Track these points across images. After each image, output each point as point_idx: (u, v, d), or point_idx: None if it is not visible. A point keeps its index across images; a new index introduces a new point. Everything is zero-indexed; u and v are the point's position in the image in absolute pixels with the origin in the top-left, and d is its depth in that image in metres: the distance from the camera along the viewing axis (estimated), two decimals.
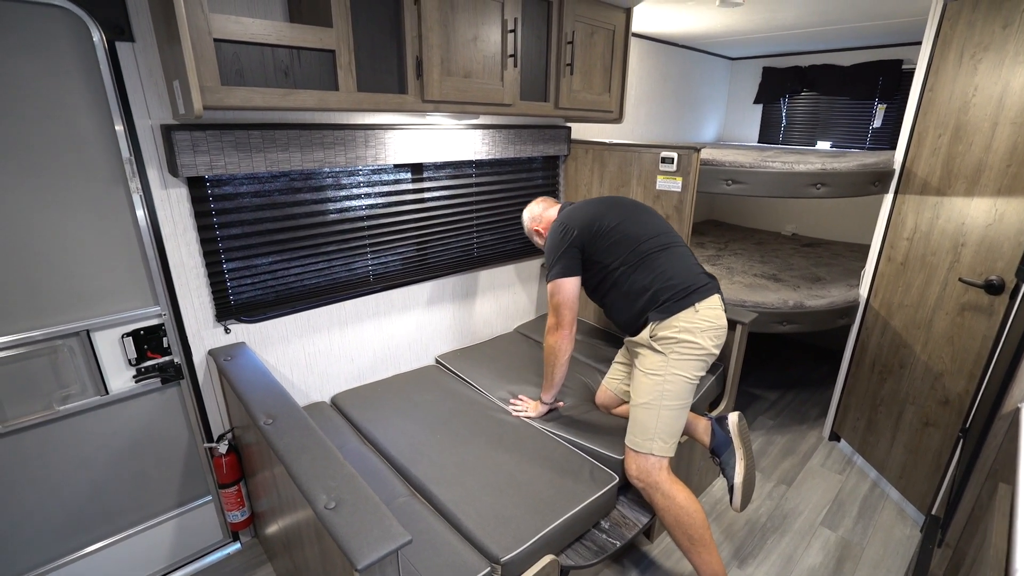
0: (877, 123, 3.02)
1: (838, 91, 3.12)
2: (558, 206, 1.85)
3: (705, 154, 2.11)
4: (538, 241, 1.91)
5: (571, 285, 1.60)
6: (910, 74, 2.81)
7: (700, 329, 1.48)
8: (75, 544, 1.52)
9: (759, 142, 3.62)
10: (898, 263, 2.02)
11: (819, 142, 3.29)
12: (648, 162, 2.12)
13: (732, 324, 1.98)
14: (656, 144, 2.09)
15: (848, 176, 1.98)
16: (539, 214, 1.89)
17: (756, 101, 3.52)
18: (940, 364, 1.85)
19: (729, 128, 3.77)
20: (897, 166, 2.00)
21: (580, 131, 2.48)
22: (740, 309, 2.04)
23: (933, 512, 1.74)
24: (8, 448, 1.36)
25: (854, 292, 2.28)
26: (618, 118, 2.21)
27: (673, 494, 1.47)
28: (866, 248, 3.01)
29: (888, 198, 2.06)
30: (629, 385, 1.69)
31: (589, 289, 1.69)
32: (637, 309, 1.55)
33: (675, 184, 2.06)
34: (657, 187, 2.12)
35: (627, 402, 1.73)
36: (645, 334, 1.53)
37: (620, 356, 1.85)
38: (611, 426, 1.74)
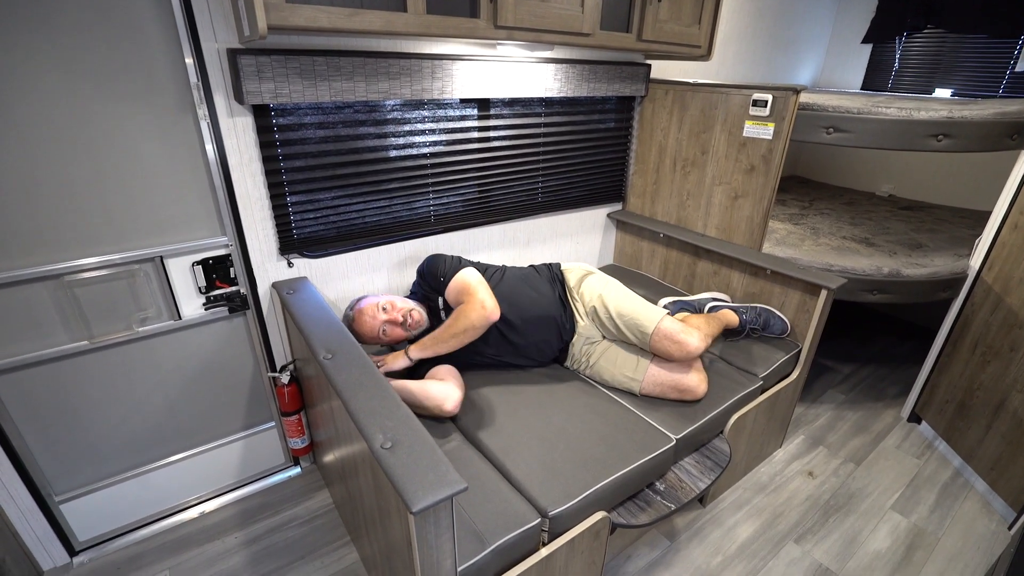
0: (1021, 66, 2.55)
1: (972, 27, 2.64)
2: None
3: (803, 98, 1.87)
4: (401, 334, 1.60)
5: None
6: None
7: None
8: (156, 455, 1.65)
9: (862, 89, 3.21)
10: None
11: (937, 90, 2.86)
12: (736, 105, 1.91)
13: (815, 289, 1.80)
14: (747, 85, 1.87)
15: (980, 127, 1.69)
16: (359, 319, 1.58)
17: (865, 40, 3.08)
18: None
19: (828, 73, 3.35)
20: None
21: (659, 72, 2.26)
22: (826, 273, 1.85)
23: None
24: (96, 363, 1.45)
25: (962, 263, 2.02)
26: (706, 54, 1.98)
27: (704, 324, 1.73)
28: (978, 214, 2.67)
29: None
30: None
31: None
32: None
33: (766, 131, 1.84)
34: (744, 133, 1.91)
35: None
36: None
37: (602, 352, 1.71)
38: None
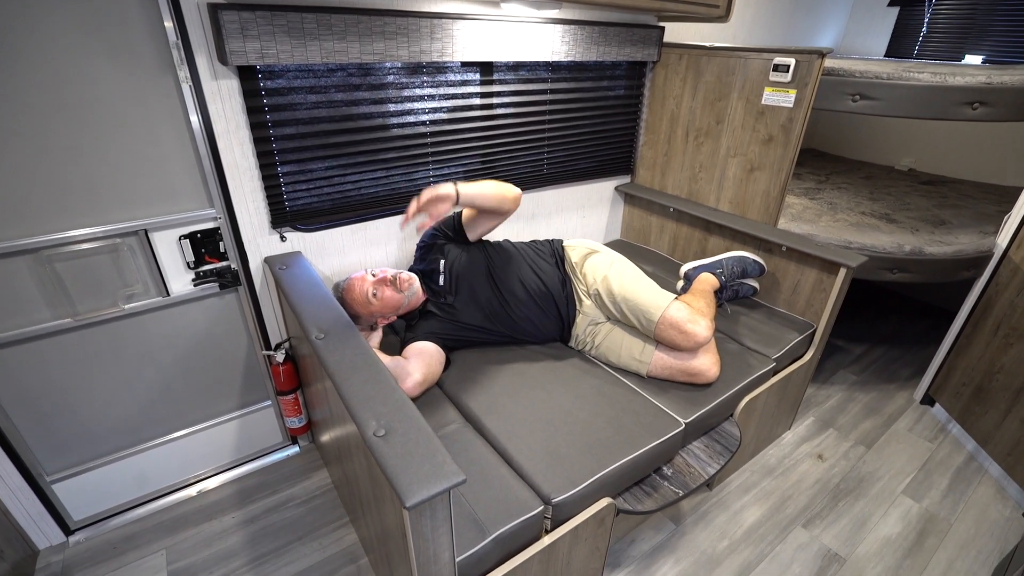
0: None
1: None
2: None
3: (827, 63, 1.74)
4: (393, 296, 1.52)
5: None
6: None
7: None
8: (150, 434, 1.61)
9: (886, 56, 3.05)
10: None
11: (967, 56, 2.71)
12: (756, 70, 1.79)
13: (834, 267, 1.72)
14: (768, 48, 1.75)
15: (1020, 93, 1.57)
16: (350, 288, 1.52)
17: (892, 3, 2.91)
18: None
19: (850, 39, 3.18)
20: None
21: (672, 35, 2.13)
22: (845, 251, 1.76)
23: None
24: (82, 341, 1.39)
25: (989, 240, 1.92)
26: (724, 15, 1.85)
27: (706, 308, 1.59)
28: (1003, 189, 2.55)
29: None
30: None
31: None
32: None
33: (786, 98, 1.73)
34: (763, 101, 1.79)
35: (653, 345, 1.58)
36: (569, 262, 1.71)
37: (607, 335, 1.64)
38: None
